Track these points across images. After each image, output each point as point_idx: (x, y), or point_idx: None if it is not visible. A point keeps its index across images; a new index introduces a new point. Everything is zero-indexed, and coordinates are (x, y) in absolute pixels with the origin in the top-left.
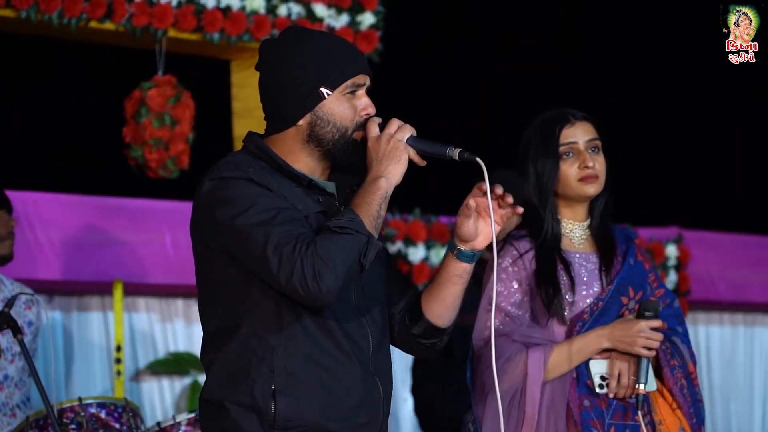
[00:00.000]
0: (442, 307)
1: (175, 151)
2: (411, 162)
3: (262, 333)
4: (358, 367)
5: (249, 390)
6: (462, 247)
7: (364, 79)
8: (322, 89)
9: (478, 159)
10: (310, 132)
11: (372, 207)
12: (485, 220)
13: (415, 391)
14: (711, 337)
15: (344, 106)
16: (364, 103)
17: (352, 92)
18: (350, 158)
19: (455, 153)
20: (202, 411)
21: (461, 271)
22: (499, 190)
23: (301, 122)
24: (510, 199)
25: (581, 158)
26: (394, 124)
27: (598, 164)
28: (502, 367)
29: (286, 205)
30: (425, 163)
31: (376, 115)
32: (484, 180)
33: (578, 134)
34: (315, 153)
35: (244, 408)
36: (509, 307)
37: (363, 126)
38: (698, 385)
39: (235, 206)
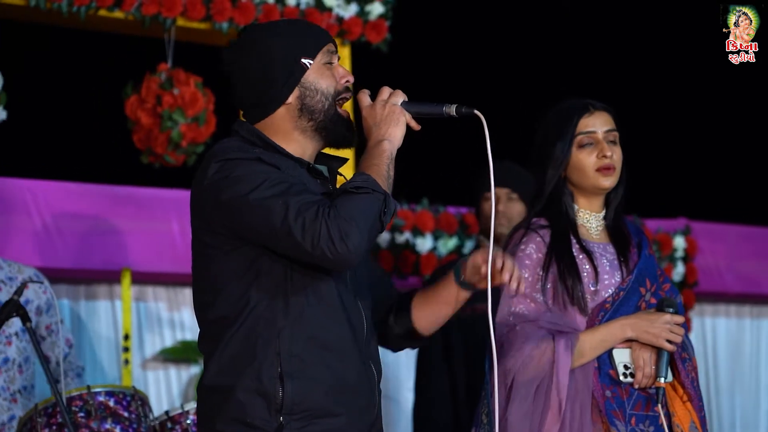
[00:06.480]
0: (431, 322)
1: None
2: (407, 128)
3: (268, 316)
4: (357, 350)
5: (256, 373)
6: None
7: (335, 48)
8: (303, 60)
9: (476, 112)
10: (301, 105)
11: (381, 168)
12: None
13: (418, 389)
14: (717, 329)
15: (326, 74)
16: (342, 72)
17: (329, 62)
18: (340, 129)
19: (452, 109)
20: (202, 398)
21: (462, 298)
22: (498, 263)
23: (290, 99)
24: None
25: (599, 148)
26: (386, 91)
27: (615, 155)
28: (530, 354)
29: (296, 181)
30: (420, 127)
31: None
32: (484, 135)
33: (597, 124)
34: (308, 129)
35: (251, 392)
36: (535, 294)
37: (344, 94)
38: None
39: (248, 183)
